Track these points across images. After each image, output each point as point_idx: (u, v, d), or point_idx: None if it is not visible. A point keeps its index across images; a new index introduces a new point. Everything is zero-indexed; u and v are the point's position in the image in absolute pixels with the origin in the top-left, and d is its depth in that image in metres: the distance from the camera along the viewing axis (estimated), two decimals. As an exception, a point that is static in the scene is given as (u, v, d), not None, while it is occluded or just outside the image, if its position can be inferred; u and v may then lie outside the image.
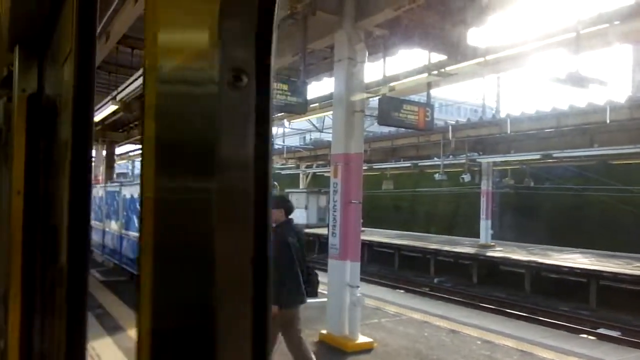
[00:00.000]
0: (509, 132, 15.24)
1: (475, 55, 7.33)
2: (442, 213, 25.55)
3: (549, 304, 13.65)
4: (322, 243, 19.99)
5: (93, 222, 14.31)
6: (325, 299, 7.26)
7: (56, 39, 1.16)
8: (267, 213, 0.55)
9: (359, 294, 7.01)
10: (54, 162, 1.16)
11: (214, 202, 0.53)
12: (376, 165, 21.34)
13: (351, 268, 7.06)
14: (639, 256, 15.41)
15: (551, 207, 20.82)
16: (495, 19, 7.11)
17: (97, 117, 12.53)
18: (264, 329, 0.54)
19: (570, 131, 14.43)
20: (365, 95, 7.65)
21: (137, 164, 38.47)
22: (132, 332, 6.69)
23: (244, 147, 0.54)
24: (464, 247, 18.51)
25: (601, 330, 11.08)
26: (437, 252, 18.48)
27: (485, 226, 18.56)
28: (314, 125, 22.39)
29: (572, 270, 14.08)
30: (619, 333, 10.84)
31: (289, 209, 5.05)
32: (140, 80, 8.93)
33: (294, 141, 34.42)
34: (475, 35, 7.40)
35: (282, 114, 9.22)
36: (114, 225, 12.67)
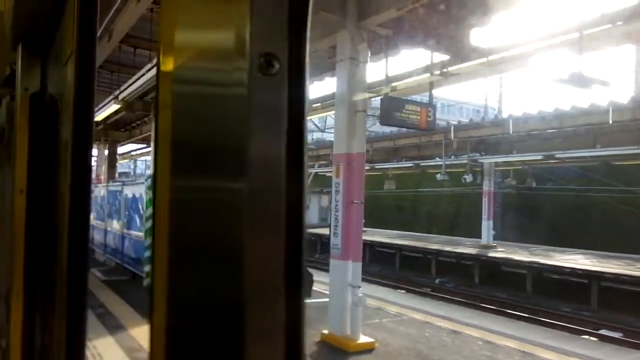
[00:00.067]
0: (511, 132, 15.22)
1: (478, 56, 7.31)
2: (444, 213, 25.51)
3: (550, 304, 13.61)
4: (323, 243, 19.97)
5: (95, 222, 14.32)
6: (326, 299, 7.26)
7: (59, 38, 1.15)
8: (302, 215, 0.50)
9: (360, 294, 7.00)
10: (56, 160, 1.16)
11: (241, 203, 0.47)
12: (378, 165, 21.29)
13: (353, 268, 7.05)
14: (641, 257, 15.38)
15: (553, 208, 20.77)
16: (498, 19, 7.11)
17: (99, 117, 12.53)
18: (298, 330, 0.52)
19: (572, 132, 14.40)
20: (367, 95, 7.65)
21: (139, 164, 38.28)
22: (134, 332, 6.69)
23: (276, 143, 0.48)
24: (466, 247, 18.47)
25: (603, 332, 11.05)
26: (438, 253, 18.45)
27: (487, 227, 18.52)
28: (315, 125, 22.34)
29: (573, 271, 14.05)
30: (621, 334, 10.81)
31: None
32: (142, 80, 8.96)
33: (295, 141, 34.30)
34: (478, 36, 7.38)
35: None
36: (115, 225, 12.69)
